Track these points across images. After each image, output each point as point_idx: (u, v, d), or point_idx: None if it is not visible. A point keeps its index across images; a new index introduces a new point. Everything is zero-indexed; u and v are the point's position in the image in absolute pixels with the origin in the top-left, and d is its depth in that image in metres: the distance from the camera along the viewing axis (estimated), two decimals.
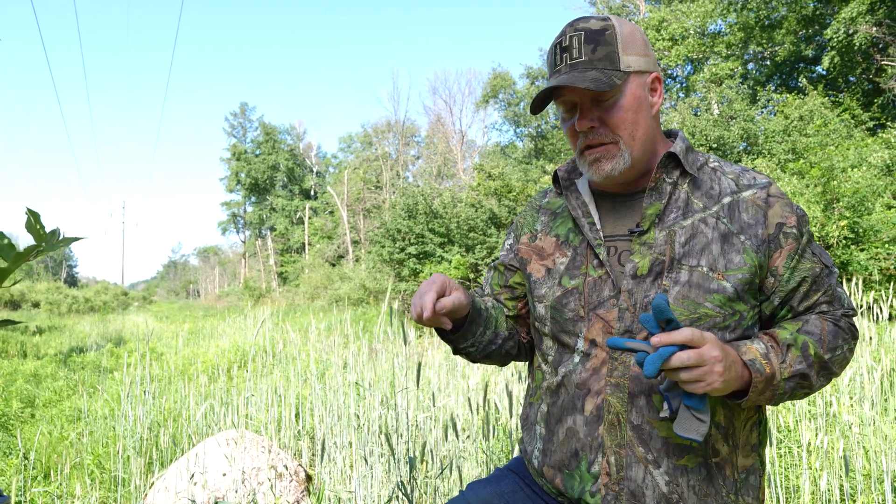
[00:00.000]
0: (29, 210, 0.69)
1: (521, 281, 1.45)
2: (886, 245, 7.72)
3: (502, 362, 1.51)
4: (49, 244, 0.71)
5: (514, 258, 1.46)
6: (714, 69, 20.08)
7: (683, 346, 1.03)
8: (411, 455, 2.56)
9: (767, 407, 3.41)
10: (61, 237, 0.74)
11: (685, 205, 1.23)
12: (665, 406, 1.09)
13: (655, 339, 1.03)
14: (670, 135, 1.36)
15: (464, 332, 1.33)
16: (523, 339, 1.49)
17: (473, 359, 1.43)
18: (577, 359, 1.25)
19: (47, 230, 0.75)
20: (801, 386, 1.16)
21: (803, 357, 1.15)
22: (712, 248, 1.19)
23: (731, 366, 1.06)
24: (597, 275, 1.25)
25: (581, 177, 1.38)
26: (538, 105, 1.25)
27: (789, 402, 3.66)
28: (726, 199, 1.23)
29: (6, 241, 0.66)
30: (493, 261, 1.54)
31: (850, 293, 4.18)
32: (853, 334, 1.23)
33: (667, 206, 1.24)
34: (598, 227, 1.29)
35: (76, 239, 0.73)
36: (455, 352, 1.40)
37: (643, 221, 1.23)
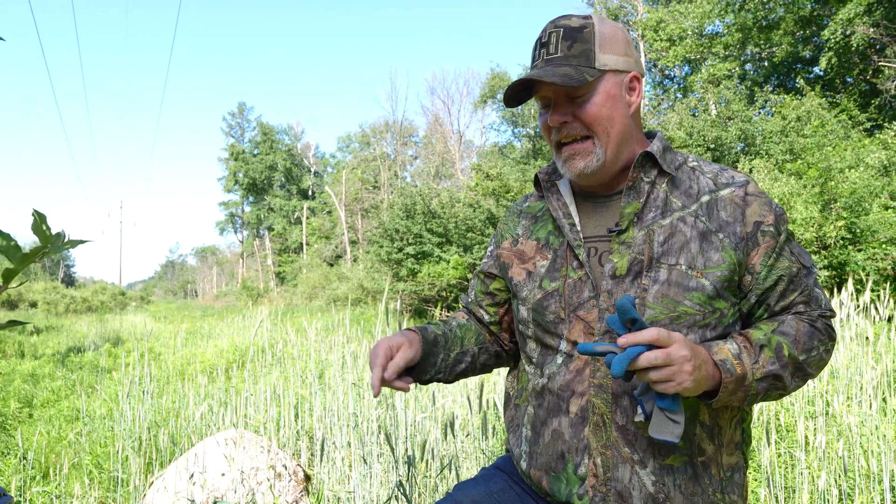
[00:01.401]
0: (35, 212, 0.69)
1: (502, 287, 1.47)
2: (884, 245, 7.74)
3: (480, 374, 1.54)
4: (55, 246, 0.71)
5: (493, 265, 1.48)
6: (712, 70, 20.12)
7: (652, 347, 1.04)
8: (410, 454, 2.57)
9: (761, 406, 3.43)
10: (66, 239, 0.75)
11: (664, 204, 1.24)
12: (639, 410, 1.09)
13: (621, 340, 1.04)
14: (649, 136, 1.37)
15: (422, 368, 1.37)
16: (505, 346, 1.51)
17: (446, 381, 1.46)
18: (559, 360, 1.26)
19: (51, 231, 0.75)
20: (775, 387, 1.17)
21: (777, 358, 1.15)
22: (691, 247, 1.20)
23: (700, 365, 1.07)
24: (577, 276, 1.26)
25: (562, 178, 1.40)
26: (511, 98, 1.27)
27: (787, 400, 3.67)
28: (705, 198, 1.24)
29: (13, 242, 0.67)
30: (477, 268, 1.57)
31: (848, 293, 4.19)
32: (830, 336, 1.23)
33: (645, 205, 1.25)
34: (579, 227, 1.30)
35: (81, 241, 0.73)
36: (422, 383, 1.42)
37: (621, 221, 1.24)
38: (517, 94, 1.26)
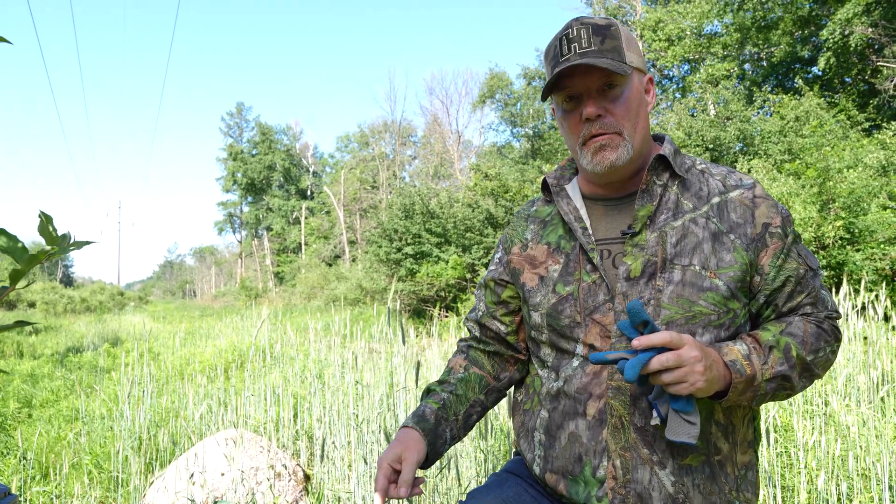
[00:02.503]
0: (42, 213, 0.70)
1: (514, 294, 1.45)
2: (882, 245, 7.75)
3: (498, 401, 1.53)
4: (61, 247, 0.72)
5: (503, 272, 1.46)
6: (710, 70, 20.12)
7: (663, 350, 1.05)
8: None
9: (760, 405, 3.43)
10: (72, 241, 0.75)
11: (675, 206, 1.25)
12: (654, 413, 1.10)
13: (635, 342, 1.05)
14: (656, 138, 1.38)
15: (434, 453, 1.36)
16: (521, 355, 1.48)
17: (461, 439, 1.46)
18: (576, 364, 1.26)
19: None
20: (783, 387, 1.18)
21: (785, 359, 1.16)
22: (703, 248, 1.21)
23: (711, 365, 1.08)
24: (591, 280, 1.26)
25: (571, 182, 1.40)
26: (549, 89, 1.25)
27: (784, 402, 3.68)
28: (715, 200, 1.25)
29: (20, 244, 0.67)
30: (482, 278, 1.52)
31: (846, 294, 4.20)
32: (836, 337, 1.25)
33: (657, 207, 1.26)
34: (591, 231, 1.30)
35: (87, 242, 0.74)
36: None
37: (635, 223, 1.24)
38: (549, 86, 1.25)
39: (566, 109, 1.28)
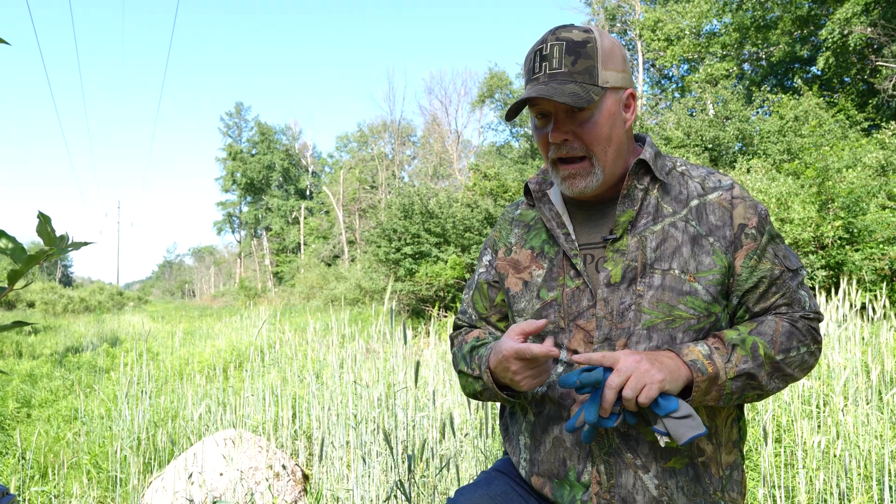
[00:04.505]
0: (41, 214, 0.69)
1: (505, 298, 1.42)
2: (881, 245, 7.75)
3: None
4: (60, 248, 0.72)
5: (496, 274, 1.44)
6: (709, 69, 20.13)
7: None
8: (409, 454, 2.57)
9: (759, 405, 3.43)
10: (70, 241, 0.75)
11: (655, 210, 1.25)
12: (657, 437, 1.10)
13: (576, 357, 1.12)
14: (637, 139, 1.37)
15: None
16: None
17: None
18: (560, 369, 1.26)
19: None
20: (751, 386, 1.16)
21: (751, 357, 1.15)
22: (683, 251, 1.21)
23: (655, 361, 1.08)
24: (574, 285, 1.26)
25: (552, 187, 1.39)
26: (513, 112, 1.24)
27: (785, 400, 3.68)
28: (694, 203, 1.25)
29: (18, 245, 0.67)
30: (473, 280, 1.49)
31: (845, 294, 4.20)
32: (814, 338, 1.23)
33: (638, 212, 1.25)
34: (573, 236, 1.29)
35: (86, 243, 0.73)
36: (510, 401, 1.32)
37: (616, 228, 1.24)
38: (516, 106, 1.24)
39: (537, 125, 1.28)
